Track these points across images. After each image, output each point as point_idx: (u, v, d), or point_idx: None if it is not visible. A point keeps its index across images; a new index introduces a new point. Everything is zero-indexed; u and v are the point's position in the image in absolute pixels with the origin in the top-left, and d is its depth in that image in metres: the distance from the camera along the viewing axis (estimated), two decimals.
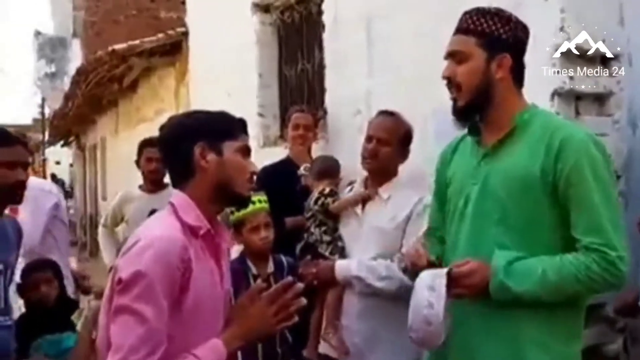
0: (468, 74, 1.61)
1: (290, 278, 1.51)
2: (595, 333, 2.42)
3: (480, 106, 1.63)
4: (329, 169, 2.65)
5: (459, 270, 1.55)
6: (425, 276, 1.56)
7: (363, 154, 2.31)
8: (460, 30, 1.65)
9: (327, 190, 2.49)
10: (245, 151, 1.50)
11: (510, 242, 1.56)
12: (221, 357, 1.38)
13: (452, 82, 1.64)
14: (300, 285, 1.47)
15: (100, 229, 3.83)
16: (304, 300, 1.47)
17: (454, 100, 1.65)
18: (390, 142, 2.27)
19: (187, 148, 1.43)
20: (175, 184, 1.49)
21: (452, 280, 1.54)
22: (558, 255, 1.52)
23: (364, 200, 2.35)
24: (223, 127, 1.48)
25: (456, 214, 1.69)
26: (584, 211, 1.50)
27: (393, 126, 2.30)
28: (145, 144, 3.56)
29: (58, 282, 2.57)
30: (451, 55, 1.65)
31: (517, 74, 1.65)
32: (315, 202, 2.46)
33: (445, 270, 1.55)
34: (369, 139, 2.30)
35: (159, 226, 1.40)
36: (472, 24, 1.62)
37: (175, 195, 1.46)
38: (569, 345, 1.59)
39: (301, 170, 2.89)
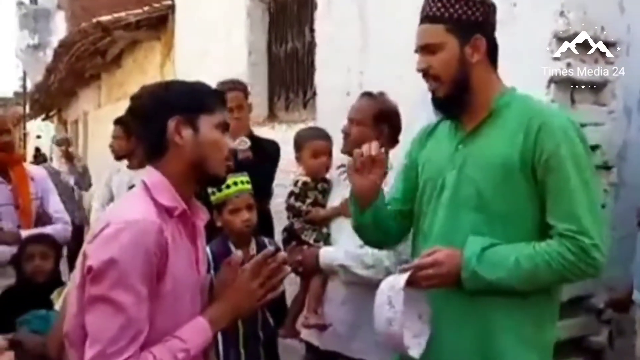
0: (444, 63, 1.54)
1: (271, 248, 1.43)
2: (581, 324, 2.41)
3: (461, 93, 1.57)
4: (312, 134, 2.52)
5: (422, 264, 1.49)
6: (384, 289, 1.50)
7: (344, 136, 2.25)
8: (427, 18, 1.57)
9: (310, 183, 2.39)
10: (224, 127, 1.40)
11: (487, 230, 1.51)
12: (207, 337, 1.32)
13: (428, 74, 1.57)
14: (282, 254, 1.41)
15: (94, 215, 3.69)
16: (288, 269, 1.41)
17: (433, 92, 1.59)
18: (362, 121, 2.20)
19: (161, 122, 1.33)
20: (148, 160, 1.40)
21: (418, 279, 1.49)
22: (532, 243, 1.48)
23: (343, 214, 2.25)
24: (200, 100, 1.37)
25: (431, 200, 1.63)
26: (560, 197, 1.46)
27: (366, 106, 2.23)
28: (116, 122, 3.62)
29: (54, 259, 2.53)
30: (422, 48, 1.58)
31: (492, 53, 1.58)
32: (297, 198, 2.37)
33: (402, 280, 1.47)
34: (347, 121, 2.26)
35: (132, 208, 1.30)
36: (438, 11, 1.54)
37: (149, 173, 1.37)
38: (541, 331, 1.54)
39: (235, 144, 2.74)
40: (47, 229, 2.79)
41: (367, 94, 2.29)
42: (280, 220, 2.55)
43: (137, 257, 1.22)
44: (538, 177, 1.48)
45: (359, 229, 1.77)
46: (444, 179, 1.59)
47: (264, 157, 2.75)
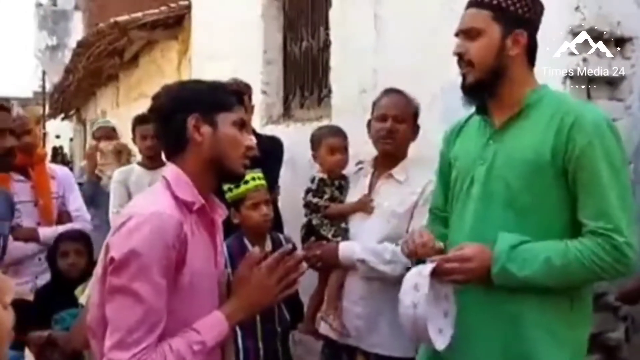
0: (482, 50, 1.56)
1: (289, 245, 1.47)
2: (597, 321, 2.39)
3: (491, 84, 1.58)
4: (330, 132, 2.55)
5: (450, 257, 1.52)
6: (411, 275, 1.54)
7: (378, 134, 2.22)
8: (475, 3, 1.59)
9: (327, 179, 2.41)
10: (241, 124, 1.44)
11: (516, 226, 1.52)
12: (223, 331, 1.36)
13: (463, 59, 1.59)
14: (300, 253, 1.45)
15: (112, 217, 3.42)
16: (304, 267, 1.45)
17: (464, 76, 1.60)
18: (405, 119, 2.22)
19: (181, 119, 1.38)
20: (168, 157, 1.44)
21: (445, 271, 1.51)
22: (563, 240, 1.48)
23: (362, 210, 2.28)
24: (218, 98, 1.42)
25: (461, 194, 1.66)
26: (592, 195, 1.46)
27: (406, 103, 2.25)
28: (137, 122, 3.41)
29: (87, 257, 2.59)
30: (464, 32, 1.59)
31: (531, 52, 1.60)
32: (314, 194, 2.40)
33: (429, 267, 1.51)
34: (382, 118, 2.22)
35: (153, 202, 1.35)
36: None
37: (169, 170, 1.41)
38: (574, 329, 1.55)
39: None
40: (65, 227, 2.84)
41: (396, 91, 2.30)
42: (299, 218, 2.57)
43: (157, 249, 1.26)
44: (569, 173, 1.48)
45: None
46: (474, 174, 1.61)
47: (267, 154, 2.78)
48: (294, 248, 2.30)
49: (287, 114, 4.41)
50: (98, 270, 1.37)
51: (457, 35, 1.61)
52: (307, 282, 2.23)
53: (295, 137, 3.57)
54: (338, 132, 2.51)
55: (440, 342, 1.52)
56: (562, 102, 1.56)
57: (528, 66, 1.60)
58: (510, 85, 1.58)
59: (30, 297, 2.61)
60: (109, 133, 4.11)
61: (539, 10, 1.60)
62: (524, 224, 1.52)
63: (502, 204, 1.54)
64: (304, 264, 1.45)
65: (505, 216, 1.54)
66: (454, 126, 1.80)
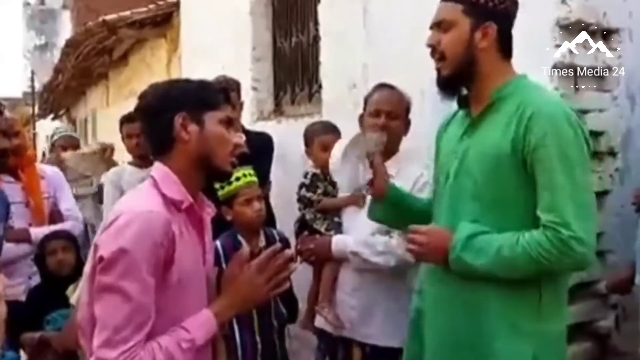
0: (452, 42, 1.56)
1: (279, 244, 1.47)
2: (587, 309, 2.43)
3: (465, 77, 1.59)
4: (322, 128, 2.55)
5: (414, 227, 1.62)
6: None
7: (372, 129, 2.20)
8: None
9: (320, 174, 2.42)
10: (228, 122, 1.44)
11: (481, 219, 1.54)
12: (211, 329, 1.36)
13: (436, 51, 1.60)
14: (290, 251, 1.46)
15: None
16: (295, 265, 1.46)
17: (438, 70, 1.61)
18: (398, 114, 2.23)
19: (168, 118, 1.38)
20: (156, 156, 1.44)
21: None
22: (518, 232, 1.49)
23: (355, 203, 2.29)
24: (205, 97, 1.42)
25: (439, 188, 1.68)
26: (545, 188, 1.46)
27: (398, 98, 2.26)
28: (124, 120, 3.42)
29: (75, 254, 2.61)
30: (437, 25, 1.61)
31: (504, 45, 1.59)
32: (307, 189, 2.40)
33: None
34: (376, 113, 2.22)
35: (141, 201, 1.35)
36: None
37: (156, 168, 1.41)
38: (540, 321, 1.52)
39: None
40: (56, 227, 2.85)
41: (388, 86, 2.30)
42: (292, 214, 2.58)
43: (145, 248, 1.27)
44: (528, 166, 1.49)
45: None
46: (449, 168, 1.63)
47: (256, 150, 2.78)
48: (286, 246, 2.31)
49: (278, 110, 4.41)
50: (87, 269, 1.37)
51: (431, 28, 1.63)
52: (301, 279, 2.26)
53: (286, 133, 3.58)
54: (330, 129, 2.52)
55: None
56: (528, 94, 1.54)
57: (501, 59, 1.59)
58: (484, 79, 1.58)
59: (24, 298, 2.61)
60: (75, 142, 4.21)
61: (511, 3, 1.58)
62: (490, 217, 1.53)
63: (470, 197, 1.56)
64: (295, 263, 1.45)
65: (473, 210, 1.55)
66: (443, 120, 1.82)
